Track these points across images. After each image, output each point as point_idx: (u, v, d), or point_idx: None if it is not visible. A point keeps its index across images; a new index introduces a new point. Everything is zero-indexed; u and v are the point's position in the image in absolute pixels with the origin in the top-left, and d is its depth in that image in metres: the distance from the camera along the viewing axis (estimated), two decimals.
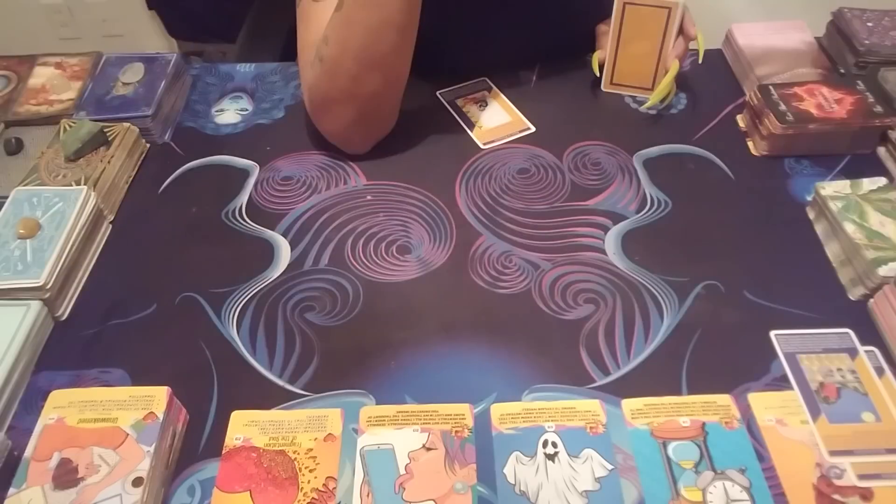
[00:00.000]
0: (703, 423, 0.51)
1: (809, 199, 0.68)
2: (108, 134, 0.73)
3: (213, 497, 0.49)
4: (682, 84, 0.82)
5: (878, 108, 0.71)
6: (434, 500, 0.48)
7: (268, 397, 0.55)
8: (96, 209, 0.67)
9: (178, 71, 0.82)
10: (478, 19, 0.79)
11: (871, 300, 0.59)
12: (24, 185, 0.68)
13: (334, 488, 0.49)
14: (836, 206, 0.63)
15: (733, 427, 0.51)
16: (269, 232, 0.68)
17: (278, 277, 0.64)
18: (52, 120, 0.76)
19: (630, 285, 0.62)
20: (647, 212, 0.68)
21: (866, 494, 0.47)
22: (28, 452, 0.49)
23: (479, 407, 0.54)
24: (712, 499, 0.47)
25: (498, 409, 0.53)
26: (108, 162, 0.71)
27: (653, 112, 0.79)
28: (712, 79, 0.83)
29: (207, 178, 0.74)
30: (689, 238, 0.66)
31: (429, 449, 0.50)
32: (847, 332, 0.55)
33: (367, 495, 0.48)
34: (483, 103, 0.81)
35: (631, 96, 0.81)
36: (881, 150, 0.72)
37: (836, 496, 0.47)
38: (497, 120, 0.79)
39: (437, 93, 0.82)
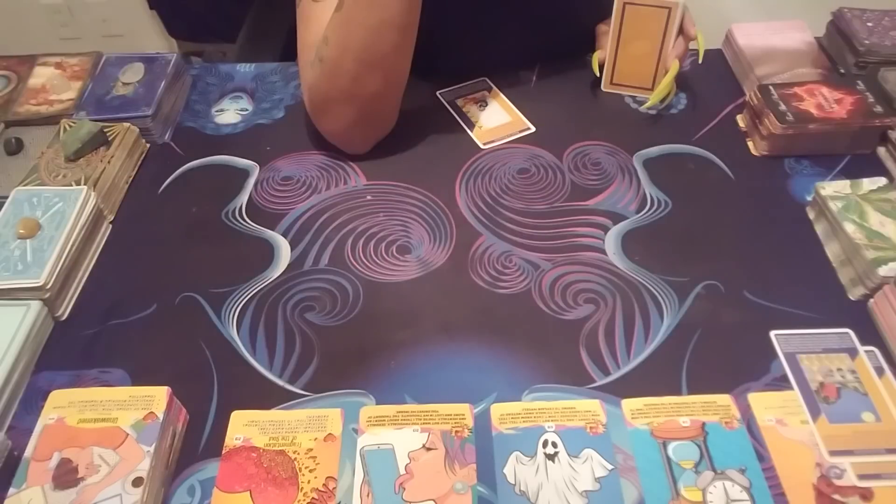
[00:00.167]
0: (703, 423, 0.51)
1: (809, 199, 0.68)
2: (108, 134, 0.73)
3: (213, 497, 0.48)
4: (682, 84, 0.82)
5: (878, 108, 0.70)
6: (434, 500, 0.48)
7: (268, 397, 0.55)
8: (96, 209, 0.67)
9: (178, 71, 0.82)
10: (478, 19, 0.79)
11: (871, 300, 0.59)
12: (24, 185, 0.68)
13: (334, 488, 0.49)
14: (836, 206, 0.63)
15: (733, 427, 0.51)
16: (269, 232, 0.68)
17: (278, 277, 0.64)
18: (52, 120, 0.76)
19: (630, 285, 0.62)
20: (647, 212, 0.68)
21: (866, 494, 0.47)
22: (28, 452, 0.49)
23: (479, 407, 0.54)
24: (712, 499, 0.47)
25: (498, 409, 0.53)
26: (108, 162, 0.71)
27: (653, 112, 0.79)
28: (712, 79, 0.83)
29: (207, 178, 0.74)
30: (689, 238, 0.66)
31: (429, 449, 0.50)
32: (847, 332, 0.55)
33: (367, 495, 0.48)
34: (483, 103, 0.81)
35: (631, 96, 0.81)
36: (881, 150, 0.72)
37: (836, 496, 0.47)
38: (497, 120, 0.79)
39: (437, 93, 0.82)
